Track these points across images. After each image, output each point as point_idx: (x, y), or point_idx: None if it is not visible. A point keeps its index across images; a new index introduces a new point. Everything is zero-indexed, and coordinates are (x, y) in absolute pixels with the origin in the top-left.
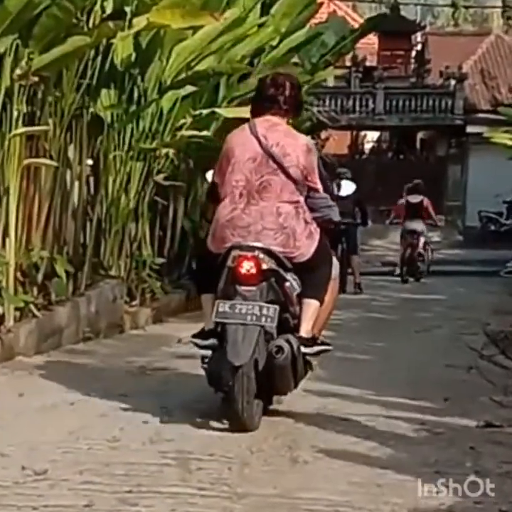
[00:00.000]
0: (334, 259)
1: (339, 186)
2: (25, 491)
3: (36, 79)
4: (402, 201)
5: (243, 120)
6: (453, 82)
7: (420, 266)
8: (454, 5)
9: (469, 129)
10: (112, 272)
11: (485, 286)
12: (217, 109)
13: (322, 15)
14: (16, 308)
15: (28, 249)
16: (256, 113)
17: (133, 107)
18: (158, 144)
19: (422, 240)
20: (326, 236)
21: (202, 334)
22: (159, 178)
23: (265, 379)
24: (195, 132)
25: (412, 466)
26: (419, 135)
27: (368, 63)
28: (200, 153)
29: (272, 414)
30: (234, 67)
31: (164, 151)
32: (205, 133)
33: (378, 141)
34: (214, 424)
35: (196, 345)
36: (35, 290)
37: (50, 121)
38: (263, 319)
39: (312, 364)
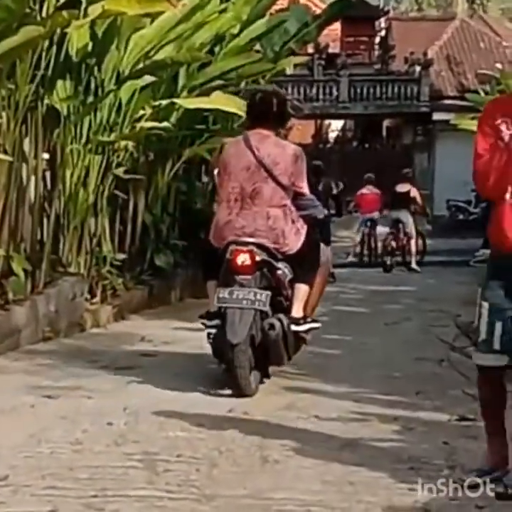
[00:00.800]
0: (324, 247)
1: (338, 186)
2: None
3: None
4: (361, 191)
5: (205, 110)
6: (418, 68)
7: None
8: None
9: (436, 116)
10: (72, 269)
11: (455, 277)
12: (176, 100)
13: (284, 1)
14: None
15: None
16: (248, 126)
17: (90, 99)
18: (117, 137)
19: (406, 230)
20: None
21: (208, 315)
22: (119, 171)
23: (261, 353)
24: (155, 124)
25: (385, 463)
26: (385, 123)
27: (330, 50)
28: (160, 145)
29: (240, 412)
30: (193, 56)
31: (123, 143)
32: (165, 124)
33: (343, 129)
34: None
35: (203, 324)
36: None
37: (4, 114)
38: (257, 303)
39: (306, 339)
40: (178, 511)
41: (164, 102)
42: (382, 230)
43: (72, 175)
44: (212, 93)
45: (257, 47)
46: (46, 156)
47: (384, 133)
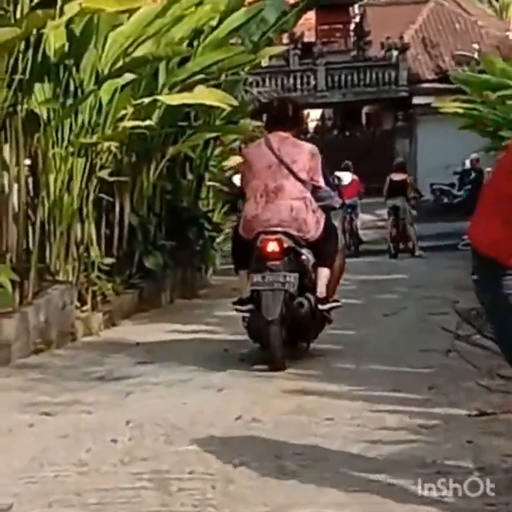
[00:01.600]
0: (339, 234)
1: (339, 178)
2: None
3: None
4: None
5: (187, 106)
6: (395, 53)
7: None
8: None
9: (415, 100)
10: (60, 277)
11: (445, 261)
12: (159, 97)
13: None
14: None
15: None
16: (268, 129)
17: (70, 101)
18: (100, 138)
19: (403, 216)
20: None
21: (241, 301)
22: (104, 173)
23: (292, 328)
24: (137, 123)
25: (409, 467)
26: (364, 110)
27: (306, 39)
28: (143, 145)
29: (249, 418)
30: (174, 50)
31: (106, 145)
32: (148, 123)
33: (322, 119)
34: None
35: (237, 310)
36: None
37: None
38: (287, 285)
39: (330, 318)
40: None
41: (146, 100)
42: (364, 216)
43: (55, 180)
44: (194, 88)
45: (235, 38)
46: (27, 162)
47: (363, 120)
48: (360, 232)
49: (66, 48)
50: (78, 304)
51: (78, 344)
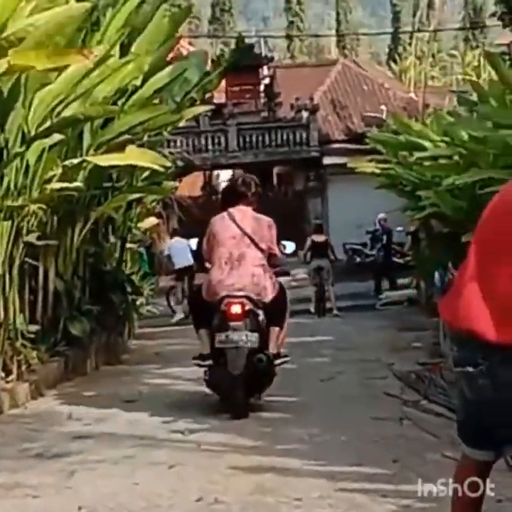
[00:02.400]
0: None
1: (284, 246)
2: None
3: None
4: None
5: (112, 167)
6: (305, 114)
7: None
8: (288, 36)
9: (326, 160)
10: None
11: (366, 322)
12: (88, 158)
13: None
14: None
15: None
16: (230, 203)
17: None
18: (27, 201)
19: (326, 276)
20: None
21: (202, 357)
22: (31, 238)
23: (251, 381)
24: (65, 184)
25: None
26: (275, 170)
27: (215, 100)
28: (68, 207)
29: (211, 499)
30: (105, 110)
31: (33, 207)
32: (76, 184)
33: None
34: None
35: (198, 365)
36: None
37: None
38: (249, 343)
39: (275, 372)
40: None
41: (76, 161)
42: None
43: None
44: (120, 148)
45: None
46: None
47: (275, 180)
48: None
49: None
50: (3, 375)
51: (5, 417)
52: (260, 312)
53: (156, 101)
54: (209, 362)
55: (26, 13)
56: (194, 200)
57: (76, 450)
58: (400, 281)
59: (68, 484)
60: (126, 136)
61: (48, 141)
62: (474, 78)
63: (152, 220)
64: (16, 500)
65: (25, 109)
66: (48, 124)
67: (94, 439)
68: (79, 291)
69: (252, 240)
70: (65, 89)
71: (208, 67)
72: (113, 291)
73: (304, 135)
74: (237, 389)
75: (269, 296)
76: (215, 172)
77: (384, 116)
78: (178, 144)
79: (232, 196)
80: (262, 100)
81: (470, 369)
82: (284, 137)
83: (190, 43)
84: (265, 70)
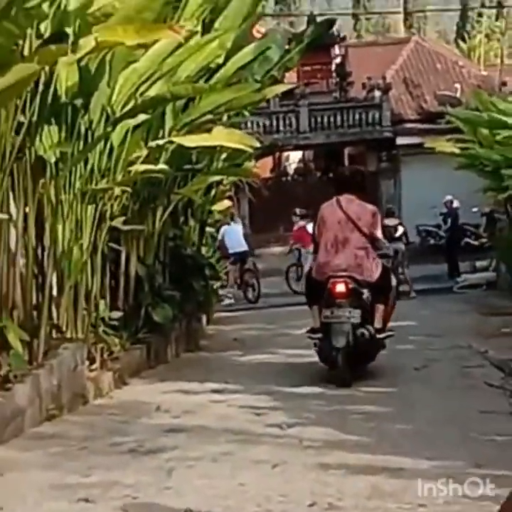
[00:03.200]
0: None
1: (396, 230)
2: None
3: None
4: (299, 225)
5: (195, 148)
6: (377, 93)
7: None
8: (354, 15)
9: (399, 140)
10: (68, 334)
11: (446, 305)
12: (175, 138)
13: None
14: None
15: None
16: (339, 191)
17: (79, 144)
18: (111, 184)
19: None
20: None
21: (313, 330)
22: (117, 222)
23: (355, 353)
24: (150, 166)
25: None
26: (347, 151)
27: (286, 80)
28: (150, 190)
29: (326, 506)
30: (195, 88)
31: (117, 191)
32: (161, 166)
33: (302, 161)
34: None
35: (310, 337)
36: None
37: None
38: (351, 318)
39: (384, 344)
40: None
41: (162, 142)
42: None
43: (63, 230)
44: (200, 129)
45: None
46: (31, 210)
47: (346, 161)
48: None
49: (76, 87)
50: (87, 363)
51: (91, 408)
52: (365, 291)
53: (235, 80)
54: (319, 335)
55: None
56: (264, 182)
57: (170, 445)
58: (479, 263)
59: (168, 484)
60: (209, 117)
61: (132, 122)
62: None
63: (225, 203)
64: (116, 502)
65: (110, 88)
66: (132, 104)
67: (187, 433)
68: (160, 276)
69: (356, 225)
70: (150, 68)
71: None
72: (193, 276)
73: (377, 115)
74: (340, 360)
75: (373, 276)
76: (285, 153)
77: (458, 95)
78: (249, 125)
79: (341, 185)
80: (334, 80)
81: None
82: (356, 117)
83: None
84: (336, 49)
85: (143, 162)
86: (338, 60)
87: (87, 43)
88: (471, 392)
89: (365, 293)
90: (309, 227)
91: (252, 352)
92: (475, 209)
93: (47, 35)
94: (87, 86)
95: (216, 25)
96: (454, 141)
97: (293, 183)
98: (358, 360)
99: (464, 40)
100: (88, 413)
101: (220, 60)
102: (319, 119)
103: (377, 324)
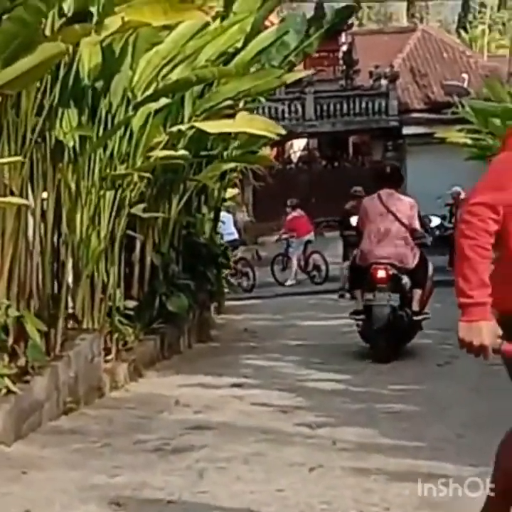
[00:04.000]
0: (430, 264)
1: (430, 220)
2: None
3: None
4: (293, 215)
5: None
6: (384, 82)
7: None
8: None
9: (405, 130)
10: (84, 324)
11: (454, 299)
12: (197, 124)
13: None
14: None
15: None
16: (379, 186)
17: (99, 128)
18: (131, 169)
19: None
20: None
21: (356, 312)
22: (137, 210)
23: (394, 334)
24: (170, 152)
25: None
26: (351, 139)
27: None
28: (168, 176)
29: None
30: (221, 71)
31: (136, 177)
32: (182, 152)
33: (306, 149)
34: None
35: (354, 319)
36: (5, 357)
37: (7, 150)
38: (391, 301)
39: (422, 326)
40: None
41: (184, 127)
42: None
43: (81, 217)
44: (219, 115)
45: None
46: (45, 195)
47: (351, 150)
48: None
49: (98, 69)
50: (102, 354)
51: (108, 401)
52: (404, 276)
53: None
54: (362, 317)
55: None
56: (268, 169)
57: (197, 444)
58: None
59: (202, 487)
60: (228, 102)
61: (154, 106)
62: None
63: (232, 190)
64: (151, 506)
65: (132, 71)
66: (153, 87)
67: (213, 431)
68: (175, 265)
69: (396, 217)
70: (172, 51)
71: None
72: (207, 265)
73: (383, 104)
74: (379, 339)
75: (411, 263)
76: (289, 141)
77: (465, 85)
78: (255, 111)
79: (381, 181)
80: (340, 68)
81: None
82: (363, 106)
83: None
84: (343, 37)
85: (162, 148)
86: (344, 47)
87: (112, 22)
88: (500, 394)
89: (404, 278)
90: (302, 218)
91: (263, 343)
92: None
93: (70, 14)
94: (109, 68)
95: (235, 6)
96: (466, 132)
97: (297, 171)
98: (396, 340)
99: (465, 30)
100: (105, 406)
101: (239, 45)
102: (325, 107)
103: (415, 307)
